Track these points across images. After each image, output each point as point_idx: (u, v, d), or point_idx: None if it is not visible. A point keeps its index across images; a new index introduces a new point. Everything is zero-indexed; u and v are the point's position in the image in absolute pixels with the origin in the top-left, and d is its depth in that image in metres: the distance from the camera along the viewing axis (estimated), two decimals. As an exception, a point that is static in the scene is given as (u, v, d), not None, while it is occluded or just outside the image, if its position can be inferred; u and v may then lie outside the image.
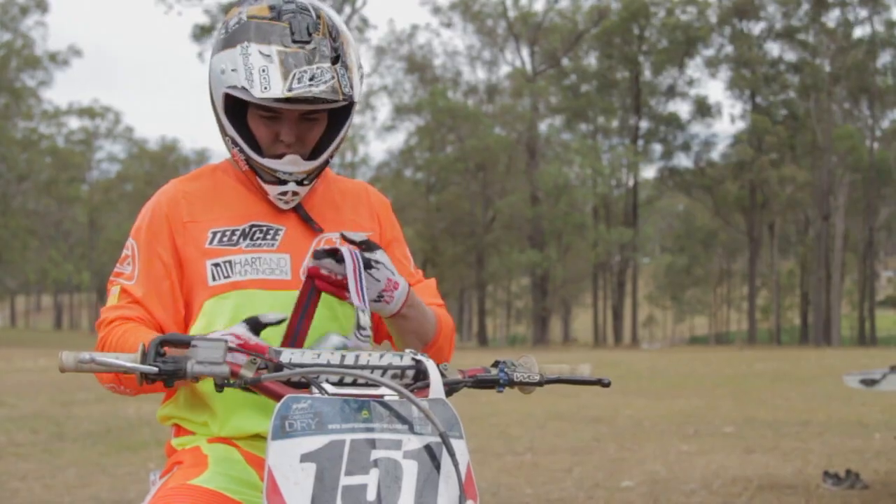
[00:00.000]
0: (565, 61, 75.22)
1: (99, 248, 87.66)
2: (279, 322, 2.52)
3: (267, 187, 2.85)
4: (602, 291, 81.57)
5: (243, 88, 2.67)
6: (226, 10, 63.36)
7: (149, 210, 2.92)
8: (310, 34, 2.70)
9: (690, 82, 77.20)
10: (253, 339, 2.44)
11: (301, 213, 2.91)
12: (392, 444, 2.19)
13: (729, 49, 74.41)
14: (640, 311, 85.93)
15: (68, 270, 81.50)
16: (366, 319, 2.56)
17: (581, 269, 76.70)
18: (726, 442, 12.83)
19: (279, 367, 2.33)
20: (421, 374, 2.42)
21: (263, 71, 2.66)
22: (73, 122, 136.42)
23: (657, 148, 77.26)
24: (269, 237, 2.87)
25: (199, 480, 2.59)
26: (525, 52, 74.38)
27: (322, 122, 2.84)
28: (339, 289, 2.63)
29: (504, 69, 78.14)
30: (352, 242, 2.68)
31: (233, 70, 2.70)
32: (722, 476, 10.08)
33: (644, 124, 76.85)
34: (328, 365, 2.36)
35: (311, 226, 2.91)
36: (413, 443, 2.20)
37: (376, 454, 2.16)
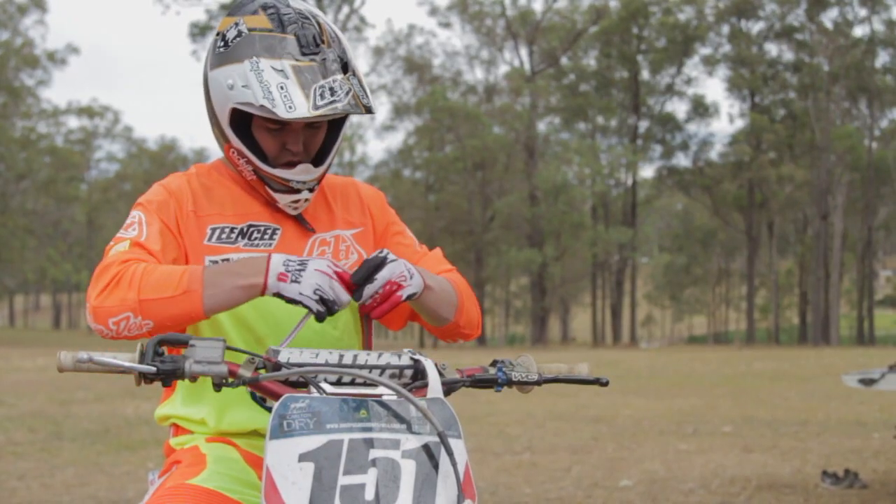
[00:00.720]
0: (564, 61, 75.22)
1: (97, 247, 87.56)
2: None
3: (277, 196, 2.84)
4: (601, 291, 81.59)
5: (263, 107, 2.64)
6: (226, 8, 63.42)
7: (158, 188, 2.92)
8: (317, 45, 2.70)
9: (689, 81, 77.24)
10: (340, 267, 2.54)
11: (297, 216, 2.91)
12: (390, 443, 2.18)
13: (727, 48, 74.43)
14: (638, 311, 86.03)
15: (67, 270, 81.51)
16: None
17: (580, 268, 76.69)
18: (725, 441, 12.84)
19: (277, 366, 2.33)
20: (419, 374, 2.42)
21: (282, 88, 2.64)
22: (72, 122, 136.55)
23: (656, 147, 77.28)
24: (266, 237, 2.87)
25: (198, 480, 2.59)
26: (524, 52, 74.46)
27: (324, 127, 2.85)
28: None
29: (503, 69, 78.12)
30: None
31: (244, 86, 2.68)
32: (720, 475, 10.08)
33: (643, 124, 76.88)
34: (326, 364, 2.36)
35: (304, 226, 2.91)
36: (411, 442, 2.20)
37: (374, 454, 2.16)
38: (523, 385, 2.59)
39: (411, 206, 69.69)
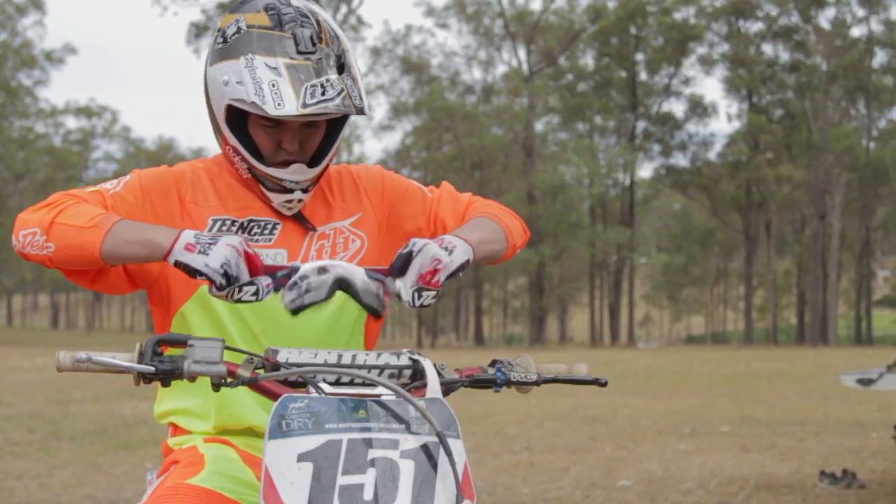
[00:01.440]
0: (562, 61, 75.21)
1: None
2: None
3: (271, 195, 2.83)
4: (599, 291, 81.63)
5: (253, 104, 2.64)
6: (224, 8, 63.49)
7: (164, 168, 2.93)
8: (314, 44, 2.69)
9: (686, 81, 77.25)
10: (251, 249, 2.46)
11: (296, 213, 2.90)
12: (389, 443, 2.18)
13: (725, 48, 74.44)
14: (636, 311, 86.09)
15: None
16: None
17: (578, 268, 76.75)
18: (723, 441, 12.84)
19: (276, 366, 2.33)
20: (418, 374, 2.42)
21: (274, 86, 2.63)
22: (70, 122, 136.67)
23: (654, 147, 77.30)
24: (266, 232, 2.87)
25: (196, 480, 2.59)
26: (521, 52, 74.46)
27: (322, 128, 2.84)
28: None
29: (501, 69, 78.10)
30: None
31: (238, 83, 2.68)
32: (718, 475, 10.08)
33: (641, 124, 76.90)
34: (325, 364, 2.36)
35: (304, 224, 2.91)
36: (410, 442, 2.20)
37: (373, 454, 2.16)
38: (522, 385, 2.59)
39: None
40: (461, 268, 2.58)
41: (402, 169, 75.34)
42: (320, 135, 2.84)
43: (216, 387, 2.31)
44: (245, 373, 2.31)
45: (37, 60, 70.44)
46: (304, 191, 2.83)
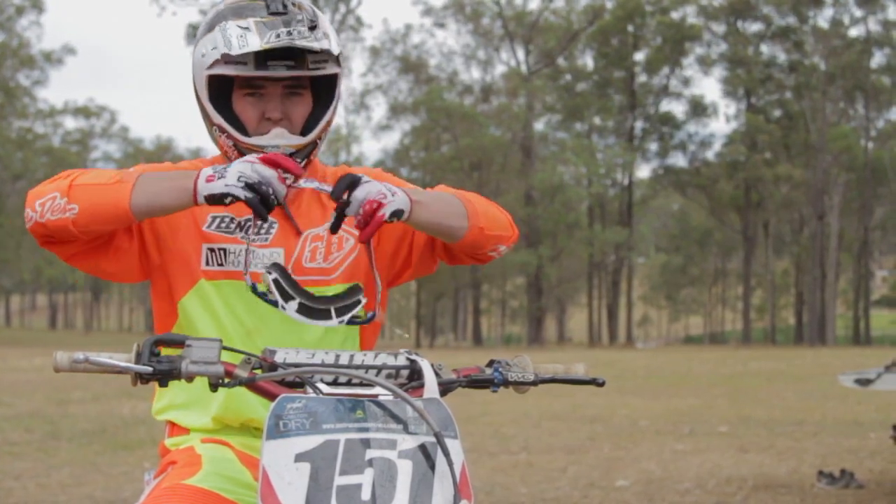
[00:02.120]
0: (560, 61, 75.19)
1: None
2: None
3: None
4: (597, 291, 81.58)
5: (223, 54, 2.71)
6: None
7: (167, 164, 2.97)
8: (285, 7, 2.76)
9: (685, 81, 77.24)
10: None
11: (286, 212, 2.91)
12: (387, 443, 2.18)
13: (724, 48, 74.44)
14: (634, 311, 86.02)
15: (63, 270, 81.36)
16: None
17: (576, 268, 76.74)
18: (721, 441, 12.84)
19: (273, 366, 2.33)
20: (415, 374, 2.42)
21: (241, 36, 2.71)
22: (69, 122, 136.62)
23: (652, 147, 77.30)
24: (262, 231, 2.88)
25: (194, 480, 2.59)
26: (520, 52, 74.41)
27: (307, 98, 2.87)
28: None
29: (499, 69, 78.06)
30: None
31: (213, 49, 2.75)
32: (717, 475, 10.08)
33: (639, 124, 76.89)
34: (323, 365, 2.36)
35: (293, 225, 2.91)
36: (408, 442, 2.20)
37: (371, 454, 2.16)
38: (520, 385, 2.59)
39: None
40: (395, 214, 2.59)
41: (400, 169, 75.33)
42: (306, 104, 2.87)
43: (213, 387, 2.31)
44: (242, 373, 2.31)
45: (35, 61, 70.39)
46: (289, 157, 2.82)
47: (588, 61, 77.24)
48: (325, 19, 2.82)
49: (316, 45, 2.73)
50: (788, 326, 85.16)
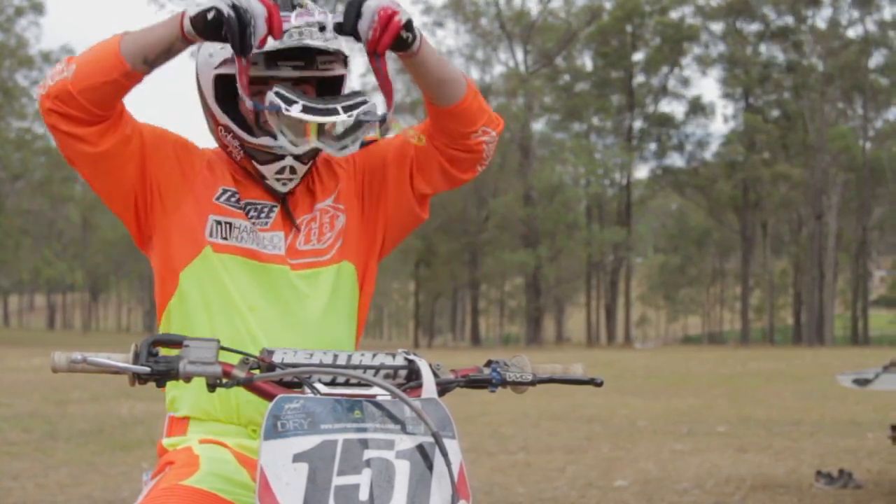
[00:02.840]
0: (559, 61, 75.18)
1: (92, 247, 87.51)
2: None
3: (264, 169, 2.86)
4: (595, 291, 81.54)
5: (234, 54, 2.69)
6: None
7: (186, 137, 3.00)
8: (294, 6, 2.75)
9: (683, 81, 77.24)
10: None
11: (285, 209, 2.94)
12: (384, 444, 2.18)
13: (722, 48, 74.45)
14: (633, 311, 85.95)
15: (61, 270, 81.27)
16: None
17: (574, 268, 76.71)
18: (719, 441, 12.85)
19: (271, 366, 2.33)
20: (413, 374, 2.42)
21: (253, 35, 2.68)
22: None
23: (651, 147, 77.28)
24: (262, 215, 2.92)
25: (191, 481, 2.59)
26: (519, 52, 74.39)
27: (313, 94, 2.87)
28: None
29: (498, 69, 78.03)
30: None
31: (222, 48, 2.75)
32: (715, 475, 10.09)
33: (638, 124, 76.89)
34: (320, 365, 2.36)
35: (291, 222, 2.94)
36: (405, 443, 2.20)
37: (369, 454, 2.16)
38: (518, 385, 2.59)
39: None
40: (409, 25, 2.62)
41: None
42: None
43: (211, 387, 2.31)
44: (240, 373, 2.31)
45: (34, 61, 70.35)
46: (297, 158, 2.85)
47: (586, 61, 77.25)
48: (331, 18, 2.82)
49: (329, 46, 2.75)
50: (787, 326, 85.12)
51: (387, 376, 2.41)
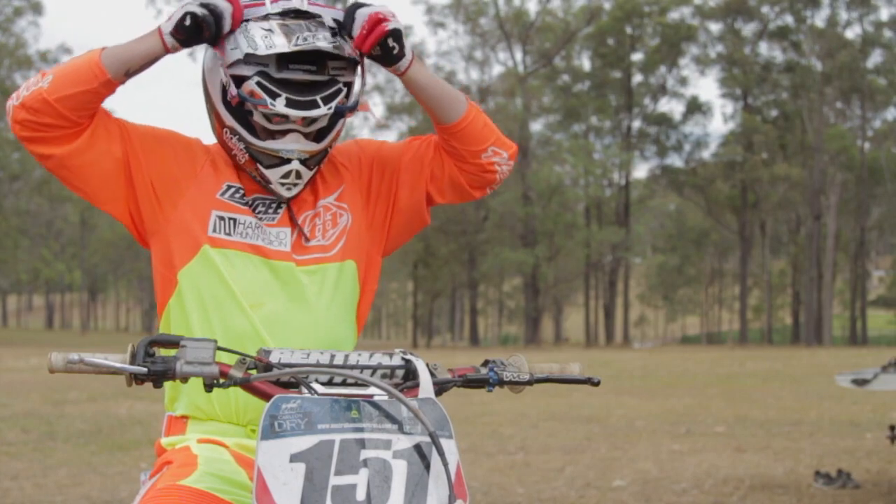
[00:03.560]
0: (558, 61, 75.17)
1: (90, 247, 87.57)
2: None
3: (269, 173, 2.86)
4: (594, 291, 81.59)
5: (246, 55, 2.72)
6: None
7: (193, 137, 3.04)
8: (307, 12, 2.80)
9: (682, 81, 77.22)
10: None
11: (293, 219, 2.94)
12: (381, 443, 2.18)
13: (720, 48, 74.47)
14: (631, 311, 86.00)
15: (60, 270, 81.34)
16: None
17: (573, 268, 76.70)
18: (718, 441, 12.85)
19: (268, 367, 2.33)
20: (410, 374, 2.42)
21: (266, 37, 2.72)
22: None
23: (649, 147, 77.29)
24: (270, 211, 2.94)
25: (189, 481, 2.59)
26: (517, 52, 74.39)
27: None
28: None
29: (497, 69, 78.06)
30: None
31: (233, 49, 2.75)
32: (713, 475, 10.09)
33: (636, 124, 76.92)
34: (318, 365, 2.36)
35: (294, 223, 2.95)
36: (403, 442, 2.20)
37: (366, 454, 2.16)
38: (515, 385, 2.59)
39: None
40: (396, 33, 2.76)
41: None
42: None
43: (208, 388, 2.31)
44: (237, 373, 2.31)
45: (32, 61, 70.33)
46: (303, 163, 2.84)
47: (585, 62, 77.28)
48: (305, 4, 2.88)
49: (341, 52, 2.77)
50: (785, 326, 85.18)
51: (384, 376, 2.41)
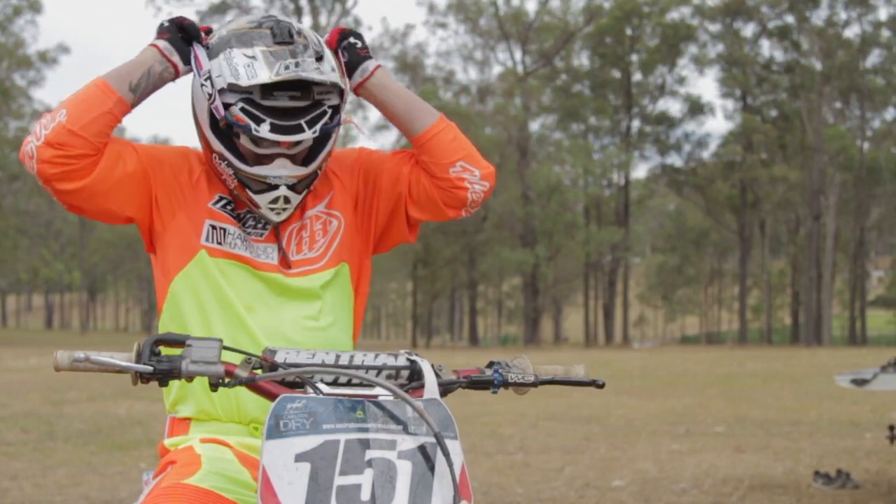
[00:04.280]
0: (557, 61, 75.15)
1: (90, 247, 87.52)
2: None
3: (258, 198, 2.86)
4: (593, 291, 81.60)
5: (229, 84, 2.71)
6: (217, 9, 63.53)
7: (185, 148, 3.07)
8: (291, 36, 2.78)
9: (681, 80, 77.20)
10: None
11: (279, 241, 2.97)
12: (386, 444, 2.19)
13: (720, 48, 74.46)
14: (631, 311, 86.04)
15: (59, 270, 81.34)
16: None
17: (572, 268, 76.68)
18: (717, 441, 12.85)
19: (274, 366, 2.33)
20: (415, 375, 2.42)
21: (249, 66, 2.72)
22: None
23: (649, 147, 77.29)
24: (259, 226, 2.95)
25: (193, 480, 2.59)
26: (517, 52, 74.36)
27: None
28: None
29: (496, 69, 77.97)
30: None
31: (217, 76, 2.74)
32: (713, 475, 10.09)
33: (636, 124, 76.91)
34: (323, 365, 2.36)
35: (284, 258, 2.96)
36: (407, 443, 2.20)
37: (371, 454, 2.17)
38: (519, 387, 2.60)
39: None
40: (358, 33, 2.96)
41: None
42: None
43: (214, 387, 2.31)
44: (243, 373, 2.31)
45: (31, 61, 70.32)
46: (291, 188, 2.85)
47: (584, 61, 77.23)
48: (327, 49, 2.88)
49: (325, 78, 2.76)
50: (784, 326, 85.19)
51: (389, 377, 2.41)
